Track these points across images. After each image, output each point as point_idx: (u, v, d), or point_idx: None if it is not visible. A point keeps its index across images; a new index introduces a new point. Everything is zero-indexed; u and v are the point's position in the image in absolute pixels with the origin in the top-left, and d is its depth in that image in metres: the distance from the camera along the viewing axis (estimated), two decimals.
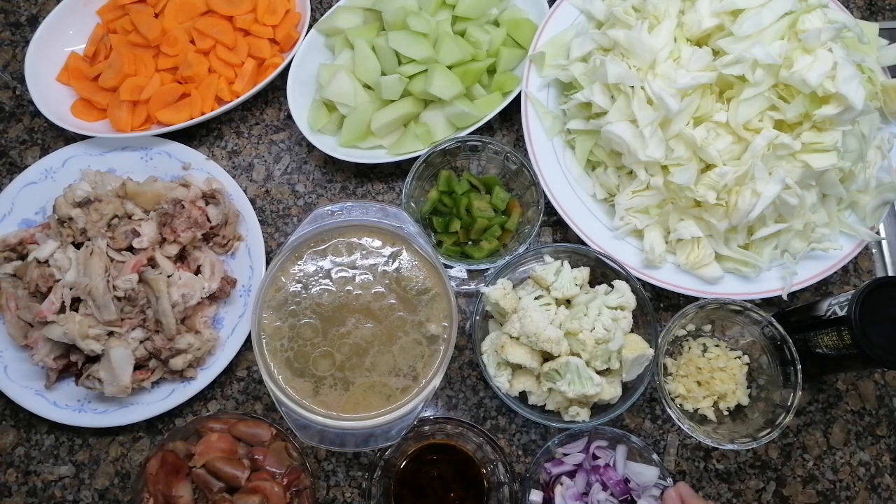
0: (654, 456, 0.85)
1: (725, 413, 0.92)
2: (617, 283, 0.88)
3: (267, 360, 0.78)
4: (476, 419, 0.95)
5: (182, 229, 0.93)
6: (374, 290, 0.80)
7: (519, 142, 1.06)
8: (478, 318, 0.89)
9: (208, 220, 0.96)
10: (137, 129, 1.02)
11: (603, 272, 0.91)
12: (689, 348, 0.95)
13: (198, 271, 0.95)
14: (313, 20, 1.08)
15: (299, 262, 0.80)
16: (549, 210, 0.96)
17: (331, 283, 0.80)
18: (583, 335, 0.82)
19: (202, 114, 1.02)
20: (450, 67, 0.99)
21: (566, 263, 0.89)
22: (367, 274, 0.80)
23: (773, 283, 0.94)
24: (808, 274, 0.94)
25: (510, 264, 0.91)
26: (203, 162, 1.01)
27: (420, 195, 1.00)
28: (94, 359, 0.89)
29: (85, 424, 0.91)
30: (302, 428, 0.76)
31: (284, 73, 1.03)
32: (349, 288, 0.80)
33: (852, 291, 0.83)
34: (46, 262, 0.90)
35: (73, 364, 0.90)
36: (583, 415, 0.85)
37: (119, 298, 0.88)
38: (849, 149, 0.89)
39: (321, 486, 0.92)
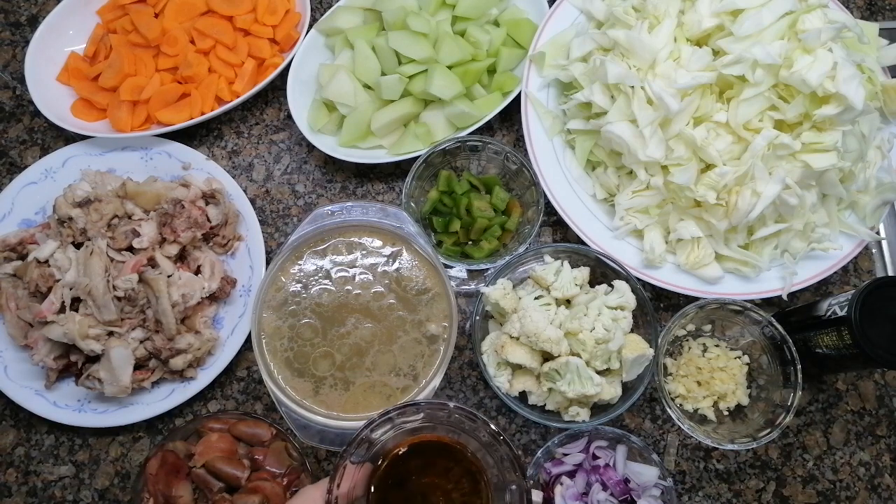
0: (654, 456, 0.85)
1: (725, 413, 0.92)
2: (617, 283, 0.88)
3: (267, 360, 0.78)
4: None
5: (182, 229, 0.93)
6: (373, 290, 0.80)
7: (519, 142, 1.06)
8: (478, 318, 0.89)
9: (208, 220, 0.96)
10: (137, 129, 1.02)
11: (603, 272, 0.91)
12: (689, 348, 0.95)
13: (198, 271, 0.95)
14: (313, 20, 1.08)
15: (299, 262, 0.80)
16: (549, 210, 0.96)
17: (330, 283, 0.80)
18: (583, 335, 0.82)
19: (202, 114, 1.02)
20: (450, 67, 0.99)
21: (566, 263, 0.89)
22: (366, 274, 0.80)
23: (773, 283, 0.94)
24: (808, 274, 0.94)
25: (510, 264, 0.91)
26: (203, 162, 1.01)
27: (420, 195, 1.00)
28: (94, 359, 0.89)
29: (85, 424, 0.91)
30: (302, 428, 0.76)
31: (284, 73, 1.03)
32: (349, 288, 0.80)
33: (852, 291, 0.83)
34: (46, 262, 0.90)
35: (73, 364, 0.90)
36: (583, 415, 0.85)
37: (119, 298, 0.88)
38: (849, 149, 0.89)
39: None
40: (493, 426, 0.63)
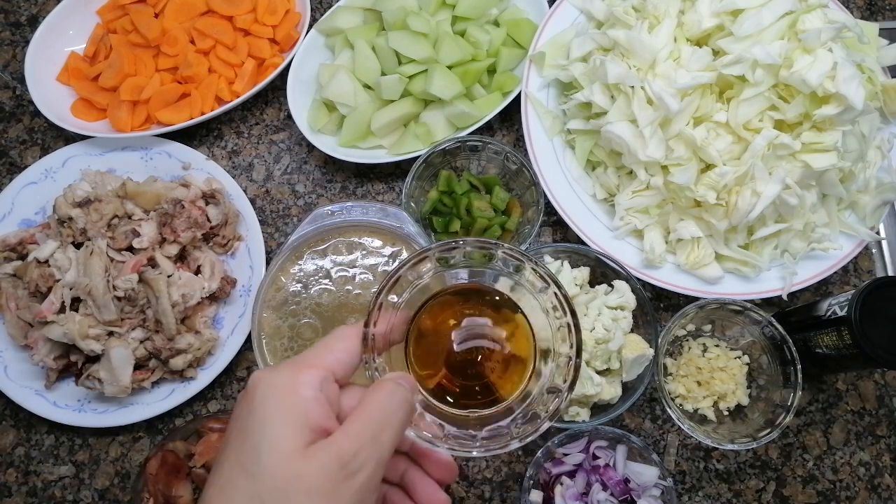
0: (654, 456, 0.85)
1: (725, 413, 0.92)
2: (617, 283, 0.88)
3: (267, 360, 0.78)
4: None
5: (182, 229, 0.93)
6: (373, 290, 0.80)
7: (519, 142, 1.06)
8: None
9: (208, 220, 0.96)
10: (137, 129, 1.02)
11: (603, 272, 0.90)
12: (689, 348, 0.95)
13: (198, 271, 0.95)
14: (313, 20, 1.08)
15: (299, 262, 0.80)
16: (549, 210, 0.96)
17: (330, 283, 0.80)
18: (583, 335, 0.82)
19: (202, 114, 1.02)
20: (450, 67, 0.99)
21: (566, 263, 0.89)
22: (366, 274, 0.80)
23: (773, 283, 0.94)
24: (808, 274, 0.94)
25: None
26: (203, 162, 1.01)
27: (420, 195, 1.00)
28: (94, 359, 0.89)
29: (85, 424, 0.91)
30: None
31: (284, 73, 1.03)
32: (349, 288, 0.80)
33: (852, 291, 0.83)
34: (46, 262, 0.90)
35: (73, 364, 0.90)
36: (583, 415, 0.85)
37: (119, 298, 0.88)
38: (849, 149, 0.89)
39: None
40: (543, 268, 0.57)
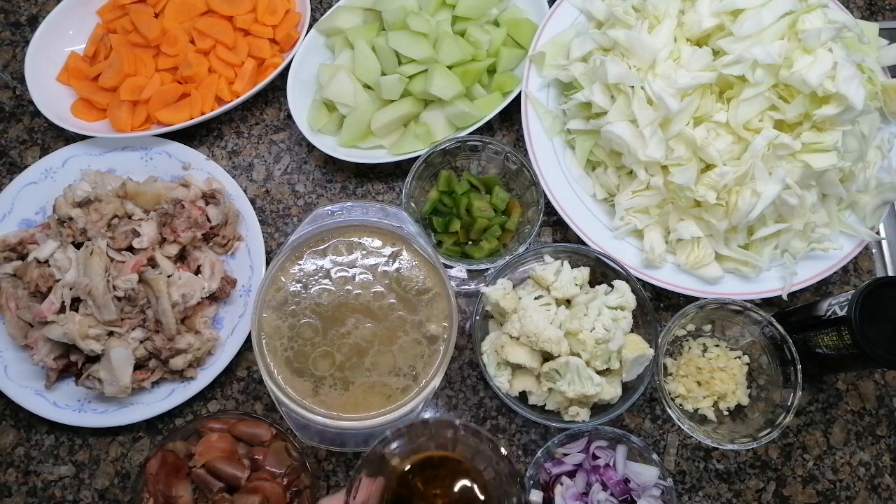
0: (654, 456, 0.85)
1: (725, 413, 0.92)
2: (617, 283, 0.88)
3: (267, 359, 0.78)
4: (476, 419, 0.95)
5: (182, 229, 0.93)
6: (373, 290, 0.80)
7: (519, 142, 1.06)
8: (478, 318, 0.89)
9: (208, 220, 0.96)
10: (137, 129, 1.02)
11: (603, 272, 0.90)
12: (689, 348, 0.95)
13: (198, 271, 0.95)
14: (313, 20, 1.08)
15: (299, 262, 0.80)
16: (549, 210, 0.96)
17: (330, 283, 0.80)
18: (583, 335, 0.82)
19: (202, 114, 1.02)
20: (450, 67, 0.99)
21: (566, 263, 0.89)
22: (366, 273, 0.80)
23: (773, 283, 0.94)
24: (808, 274, 0.94)
25: (510, 264, 0.91)
26: (203, 162, 1.01)
27: (420, 195, 1.00)
28: (94, 359, 0.89)
29: (85, 424, 0.91)
30: (302, 428, 0.76)
31: (284, 73, 1.03)
32: (349, 287, 0.80)
33: (852, 291, 0.83)
34: (46, 262, 0.90)
35: (73, 364, 0.90)
36: (583, 415, 0.85)
37: (119, 298, 0.88)
38: (849, 149, 0.89)
39: (321, 486, 0.92)
40: (500, 448, 0.68)
